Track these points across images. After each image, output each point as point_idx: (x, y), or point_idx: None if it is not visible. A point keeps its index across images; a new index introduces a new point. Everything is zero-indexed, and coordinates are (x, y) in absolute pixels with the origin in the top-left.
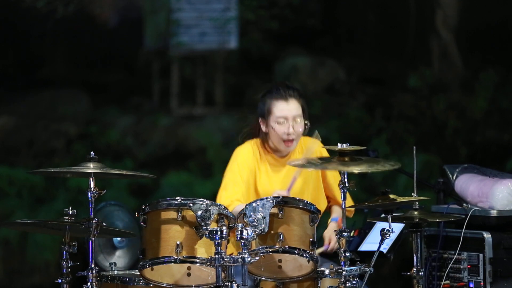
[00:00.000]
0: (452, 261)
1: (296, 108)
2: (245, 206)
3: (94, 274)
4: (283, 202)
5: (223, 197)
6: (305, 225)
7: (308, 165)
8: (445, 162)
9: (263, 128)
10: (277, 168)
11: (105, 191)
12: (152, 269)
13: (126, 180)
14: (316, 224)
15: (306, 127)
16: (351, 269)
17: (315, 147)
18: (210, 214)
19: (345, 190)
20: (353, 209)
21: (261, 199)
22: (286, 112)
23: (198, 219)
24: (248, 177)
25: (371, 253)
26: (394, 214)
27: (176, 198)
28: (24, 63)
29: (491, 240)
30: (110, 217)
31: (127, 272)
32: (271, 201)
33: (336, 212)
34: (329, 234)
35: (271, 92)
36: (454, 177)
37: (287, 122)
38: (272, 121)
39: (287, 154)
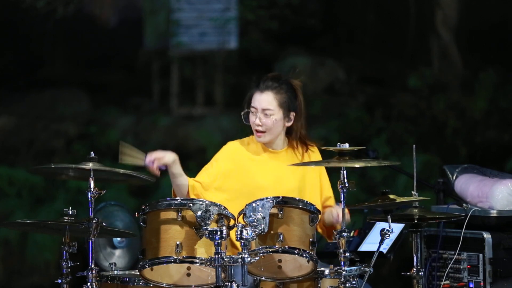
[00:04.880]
0: (452, 261)
1: (268, 101)
2: (245, 206)
3: (94, 274)
4: (283, 202)
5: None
6: (305, 225)
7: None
8: (445, 162)
9: (243, 119)
10: (271, 162)
11: (105, 191)
12: (152, 269)
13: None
14: (316, 224)
15: (288, 120)
16: (351, 269)
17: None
18: (210, 214)
19: (344, 190)
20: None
21: (261, 199)
22: (257, 103)
23: (198, 219)
24: (229, 170)
25: (371, 253)
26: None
27: (176, 198)
28: (24, 63)
29: (491, 240)
30: (110, 217)
31: (127, 272)
32: (270, 201)
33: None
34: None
35: (255, 83)
36: (454, 177)
37: (257, 113)
38: (250, 107)
39: (283, 149)
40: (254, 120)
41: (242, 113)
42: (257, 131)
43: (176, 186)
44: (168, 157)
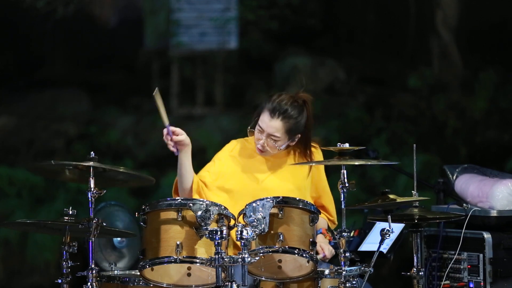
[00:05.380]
0: (452, 261)
1: (275, 129)
2: (246, 206)
3: (94, 274)
4: (283, 202)
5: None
6: (305, 225)
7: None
8: (445, 162)
9: (249, 128)
10: (273, 162)
11: (105, 191)
12: (152, 269)
13: (126, 180)
14: (316, 224)
15: (292, 141)
16: (351, 269)
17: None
18: (210, 214)
19: (344, 190)
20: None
21: (261, 199)
22: (265, 126)
23: (198, 219)
24: (230, 168)
25: (371, 253)
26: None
27: (176, 198)
28: (24, 63)
29: (491, 240)
30: (110, 217)
31: (127, 272)
32: (271, 201)
33: (319, 224)
34: (319, 244)
35: (271, 99)
36: (454, 177)
37: (263, 134)
38: (257, 124)
39: (285, 149)
40: (260, 139)
41: (248, 128)
42: (259, 149)
43: (180, 176)
44: (187, 139)
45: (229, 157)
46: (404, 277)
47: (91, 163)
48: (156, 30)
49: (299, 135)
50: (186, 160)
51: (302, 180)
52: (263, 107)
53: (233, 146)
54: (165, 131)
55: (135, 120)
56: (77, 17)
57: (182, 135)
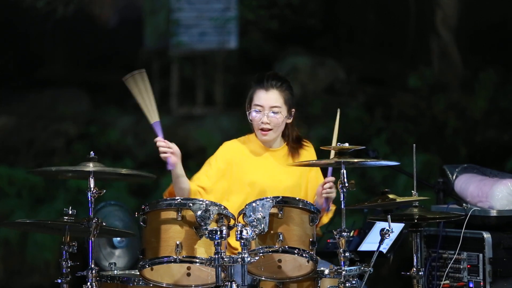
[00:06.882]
0: (452, 261)
1: (275, 99)
2: (245, 206)
3: (94, 274)
4: (283, 202)
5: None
6: (305, 225)
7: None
8: (445, 162)
9: (248, 118)
10: (270, 161)
11: (104, 191)
12: (152, 269)
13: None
14: (315, 224)
15: (289, 117)
16: (350, 269)
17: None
18: (209, 214)
19: (344, 190)
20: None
21: (260, 199)
22: (263, 101)
23: (198, 219)
24: (226, 171)
25: (370, 253)
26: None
27: (176, 198)
28: (24, 63)
29: (491, 240)
30: (110, 217)
31: (127, 272)
32: (270, 201)
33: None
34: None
35: (256, 81)
36: (454, 177)
37: (263, 111)
38: (251, 110)
39: (281, 147)
40: (261, 118)
41: (247, 112)
42: (263, 129)
43: (178, 189)
44: (177, 149)
45: (225, 158)
46: (404, 277)
47: (90, 165)
48: (156, 30)
49: (294, 110)
50: (180, 170)
51: (299, 177)
52: (254, 89)
53: (228, 147)
54: (158, 138)
55: (135, 120)
56: (77, 17)
57: (173, 144)
